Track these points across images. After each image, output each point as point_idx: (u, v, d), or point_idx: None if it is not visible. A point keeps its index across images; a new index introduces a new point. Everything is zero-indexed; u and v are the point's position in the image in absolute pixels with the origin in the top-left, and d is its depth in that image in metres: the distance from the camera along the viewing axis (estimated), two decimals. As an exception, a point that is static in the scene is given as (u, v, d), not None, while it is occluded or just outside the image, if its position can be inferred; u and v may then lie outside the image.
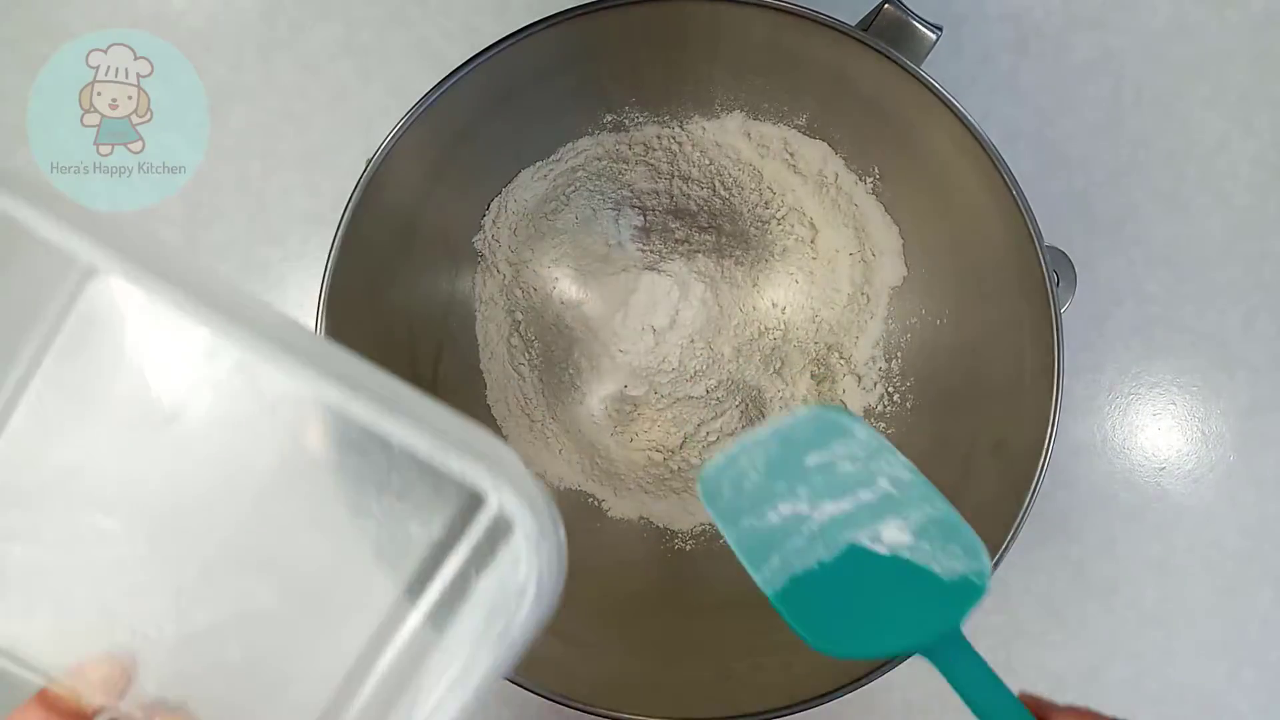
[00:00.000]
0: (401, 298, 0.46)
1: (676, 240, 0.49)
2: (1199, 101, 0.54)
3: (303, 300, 0.56)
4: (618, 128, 0.49)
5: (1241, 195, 0.54)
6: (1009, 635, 0.56)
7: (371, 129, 0.55)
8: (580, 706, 0.40)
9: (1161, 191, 0.54)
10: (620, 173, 0.50)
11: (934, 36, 0.39)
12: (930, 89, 0.38)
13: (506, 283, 0.51)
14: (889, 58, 0.38)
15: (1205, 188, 0.54)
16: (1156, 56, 0.54)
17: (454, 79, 0.39)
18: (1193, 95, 0.54)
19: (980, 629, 0.56)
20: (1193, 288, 0.55)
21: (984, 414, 0.44)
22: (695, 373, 0.50)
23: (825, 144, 0.49)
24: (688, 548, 0.51)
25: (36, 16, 0.55)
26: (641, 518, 0.51)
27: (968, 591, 0.28)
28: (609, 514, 0.52)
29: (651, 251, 0.49)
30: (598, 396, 0.52)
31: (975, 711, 0.27)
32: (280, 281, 0.56)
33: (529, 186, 0.50)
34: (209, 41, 0.55)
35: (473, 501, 0.17)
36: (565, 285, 0.51)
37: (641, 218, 0.50)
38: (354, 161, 0.55)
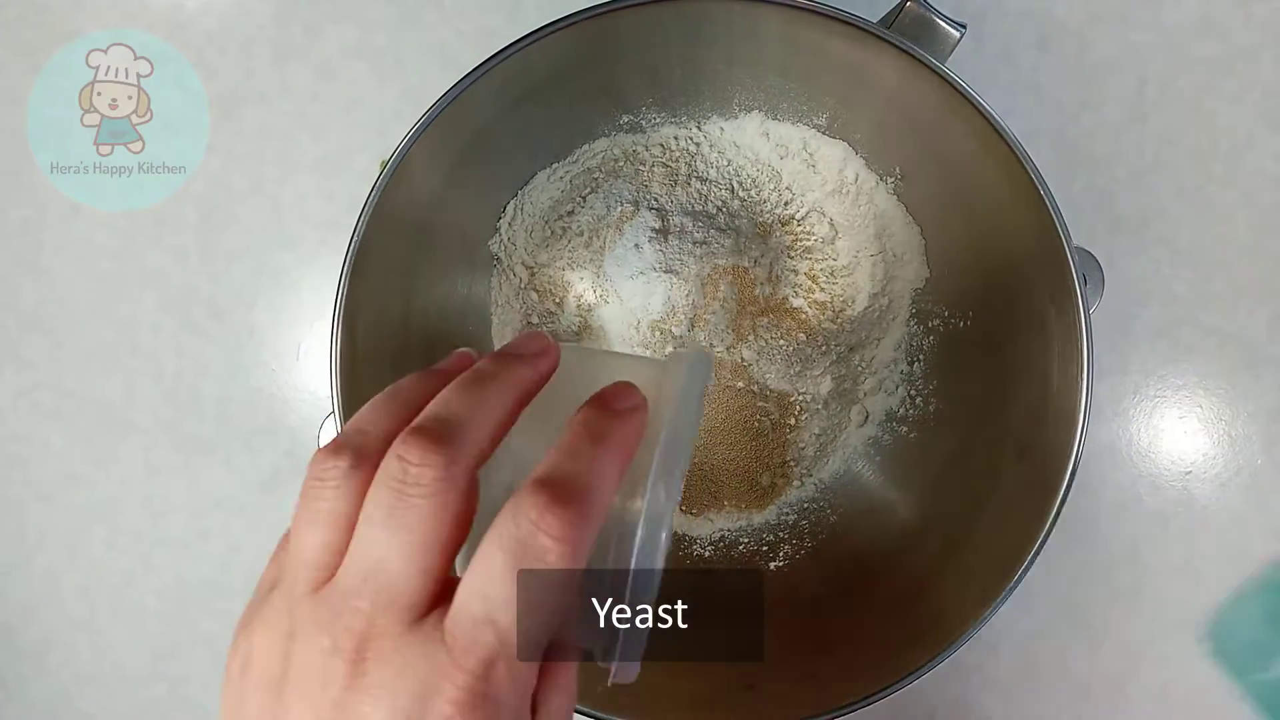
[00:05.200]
0: (417, 303, 0.46)
1: (694, 242, 0.49)
2: (1225, 98, 0.53)
3: (317, 305, 0.55)
4: (634, 129, 0.49)
5: (1269, 193, 0.54)
6: (1033, 642, 0.55)
7: (386, 132, 0.54)
8: (599, 715, 0.39)
9: (1187, 190, 0.54)
10: (637, 174, 0.50)
11: (957, 34, 0.39)
12: (955, 87, 0.38)
13: (522, 286, 0.50)
14: (912, 55, 0.37)
15: (1231, 186, 0.54)
16: (1181, 53, 0.53)
17: (469, 81, 0.38)
18: (1218, 92, 0.53)
19: (1003, 635, 0.55)
20: (1219, 287, 0.54)
21: (1009, 417, 0.44)
22: (715, 377, 0.50)
23: (845, 144, 0.48)
24: (707, 553, 0.50)
25: (36, 17, 0.55)
26: (660, 523, 0.51)
27: None
28: (627, 519, 0.51)
29: (669, 253, 0.49)
30: (615, 401, 0.51)
31: None
32: (295, 287, 0.55)
33: (545, 189, 0.49)
34: (223, 45, 0.54)
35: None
36: (581, 288, 0.50)
37: (659, 219, 0.49)
38: (369, 165, 0.55)
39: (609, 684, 0.24)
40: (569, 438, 0.23)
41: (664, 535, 0.23)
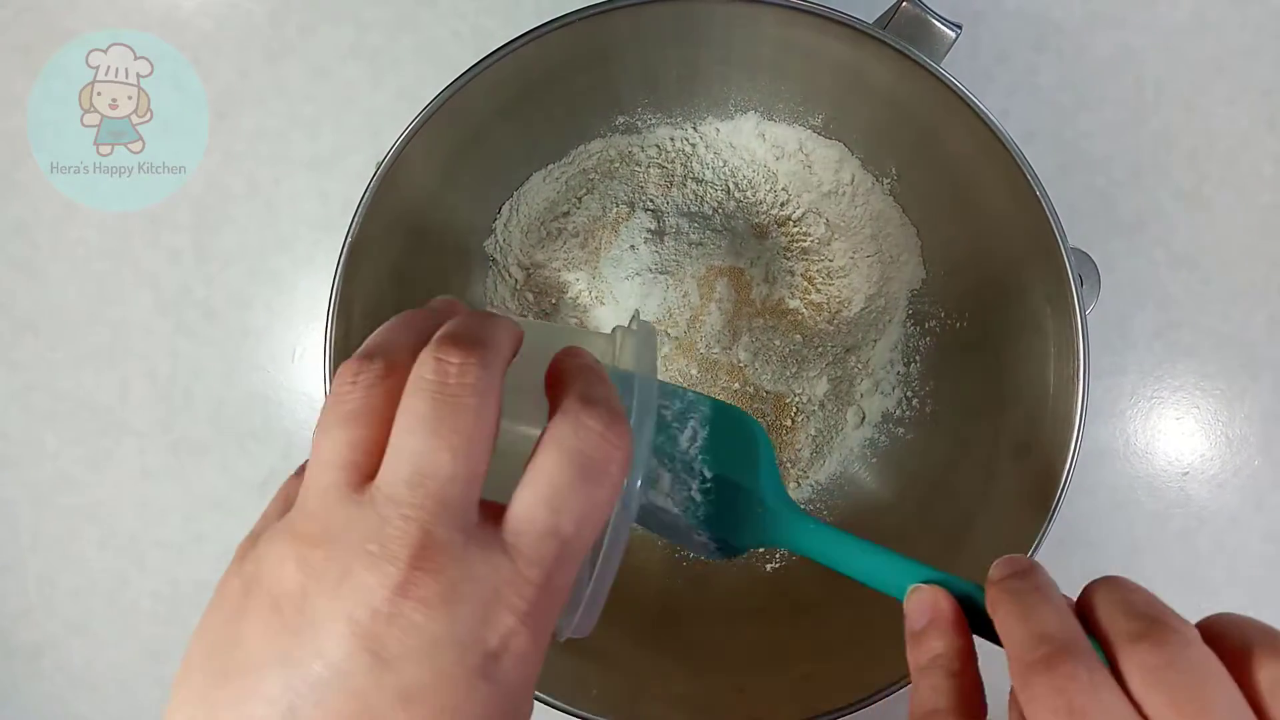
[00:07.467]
0: (412, 304, 0.45)
1: (690, 243, 0.49)
2: (1221, 99, 0.53)
3: (313, 307, 0.55)
4: (630, 130, 0.49)
5: (1266, 194, 0.53)
6: (1030, 643, 0.55)
7: (381, 133, 0.54)
8: (592, 717, 0.39)
9: (1184, 191, 0.53)
10: (633, 175, 0.49)
11: (953, 34, 0.38)
12: (951, 88, 0.38)
13: (518, 287, 0.50)
14: (908, 56, 0.37)
15: (1228, 187, 0.53)
16: (1177, 54, 0.53)
17: (464, 81, 0.38)
18: (1215, 93, 0.53)
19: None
20: (1216, 289, 0.54)
21: (1006, 419, 0.44)
22: (710, 378, 0.50)
23: (841, 144, 0.48)
24: (704, 555, 0.50)
25: (36, 17, 0.54)
26: (656, 525, 0.51)
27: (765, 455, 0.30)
28: (623, 521, 0.51)
29: (665, 255, 0.48)
30: (611, 403, 0.51)
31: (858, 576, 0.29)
32: (290, 288, 0.55)
33: (540, 189, 0.49)
34: (218, 45, 0.54)
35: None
36: (577, 289, 0.50)
37: (655, 220, 0.49)
38: (363, 166, 0.54)
39: (563, 638, 0.25)
40: (586, 374, 0.24)
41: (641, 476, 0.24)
